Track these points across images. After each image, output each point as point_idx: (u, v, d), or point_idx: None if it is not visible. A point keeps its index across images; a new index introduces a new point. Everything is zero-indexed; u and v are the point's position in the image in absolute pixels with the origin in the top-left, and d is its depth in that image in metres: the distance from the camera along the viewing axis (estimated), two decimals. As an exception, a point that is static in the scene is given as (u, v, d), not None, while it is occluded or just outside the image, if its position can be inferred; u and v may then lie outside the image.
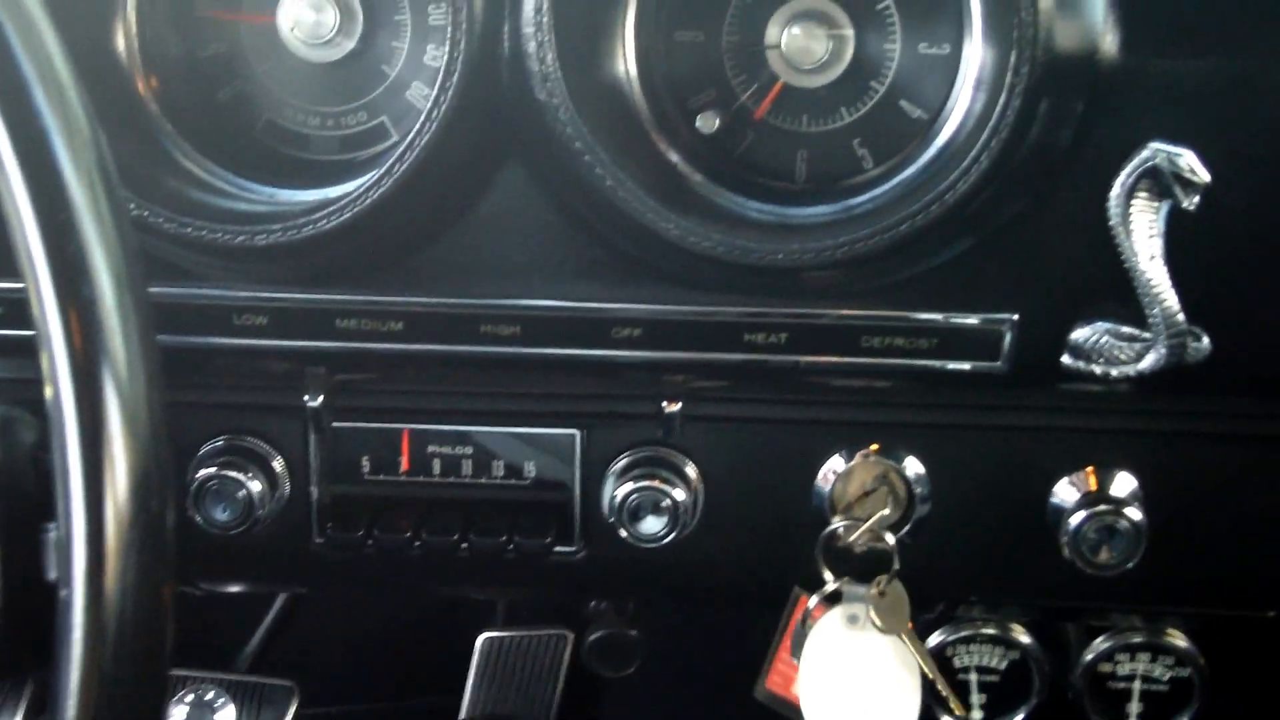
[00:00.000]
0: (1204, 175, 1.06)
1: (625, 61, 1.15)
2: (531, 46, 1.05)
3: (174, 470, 0.78)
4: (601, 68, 1.13)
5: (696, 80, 1.17)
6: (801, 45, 1.13)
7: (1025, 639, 1.37)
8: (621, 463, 1.24)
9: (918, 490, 1.23)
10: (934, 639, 1.37)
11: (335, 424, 1.22)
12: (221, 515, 1.22)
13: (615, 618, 1.38)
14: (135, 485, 0.75)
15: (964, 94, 1.12)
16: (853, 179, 1.17)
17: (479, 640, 1.65)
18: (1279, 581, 1.26)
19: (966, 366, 1.13)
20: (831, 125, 1.17)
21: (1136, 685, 1.37)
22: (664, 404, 1.20)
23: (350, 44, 1.18)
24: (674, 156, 1.16)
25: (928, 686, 1.28)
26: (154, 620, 0.77)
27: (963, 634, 1.37)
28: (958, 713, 1.29)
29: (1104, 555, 1.19)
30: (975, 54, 1.12)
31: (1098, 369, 1.13)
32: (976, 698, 1.38)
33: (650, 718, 1.71)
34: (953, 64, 1.14)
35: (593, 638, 1.37)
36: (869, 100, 1.16)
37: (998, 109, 1.03)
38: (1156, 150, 1.06)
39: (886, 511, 1.23)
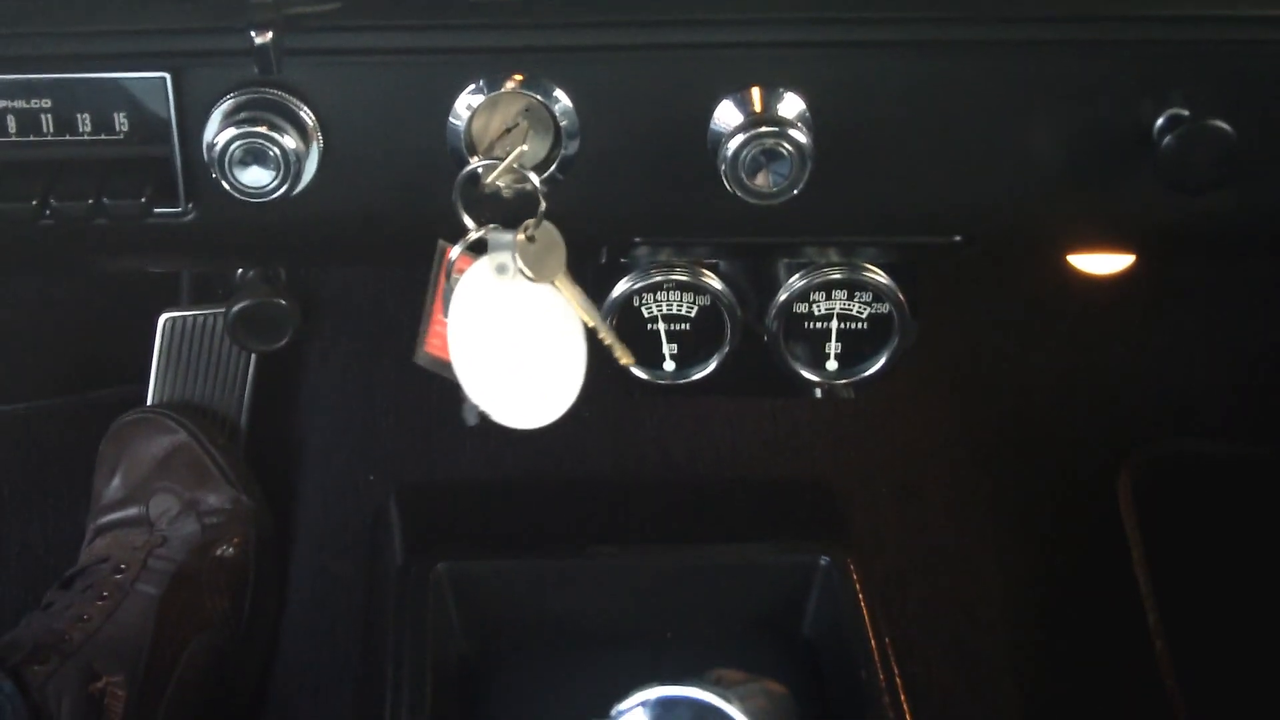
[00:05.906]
0: None
1: None
2: None
3: None
4: None
5: None
6: None
7: (716, 284, 1.28)
8: (223, 108, 1.08)
9: (564, 124, 1.10)
10: (619, 288, 1.27)
11: None
12: None
13: (264, 286, 1.25)
14: None
15: None
16: None
17: (160, 321, 1.53)
18: (964, 203, 1.16)
19: None
20: None
21: (834, 324, 1.30)
22: (253, 34, 1.03)
23: None
24: None
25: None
26: None
27: (651, 281, 1.27)
28: (622, 360, 1.21)
29: (761, 180, 1.08)
30: None
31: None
32: (667, 348, 1.30)
33: (342, 391, 1.61)
34: None
35: (235, 309, 1.24)
36: None
37: None
38: None
39: (525, 147, 1.10)
